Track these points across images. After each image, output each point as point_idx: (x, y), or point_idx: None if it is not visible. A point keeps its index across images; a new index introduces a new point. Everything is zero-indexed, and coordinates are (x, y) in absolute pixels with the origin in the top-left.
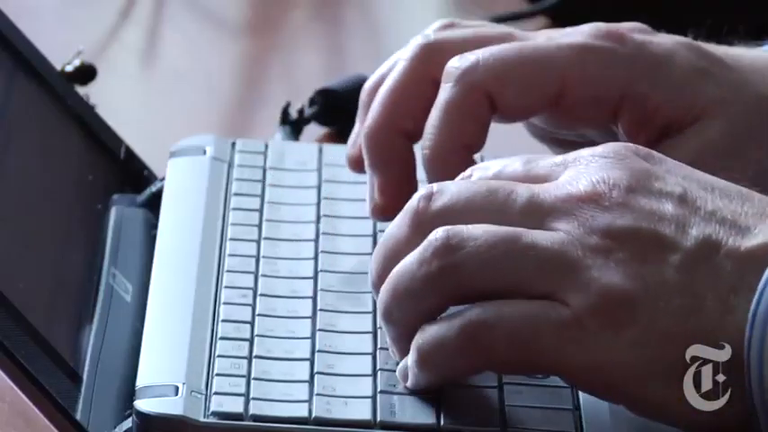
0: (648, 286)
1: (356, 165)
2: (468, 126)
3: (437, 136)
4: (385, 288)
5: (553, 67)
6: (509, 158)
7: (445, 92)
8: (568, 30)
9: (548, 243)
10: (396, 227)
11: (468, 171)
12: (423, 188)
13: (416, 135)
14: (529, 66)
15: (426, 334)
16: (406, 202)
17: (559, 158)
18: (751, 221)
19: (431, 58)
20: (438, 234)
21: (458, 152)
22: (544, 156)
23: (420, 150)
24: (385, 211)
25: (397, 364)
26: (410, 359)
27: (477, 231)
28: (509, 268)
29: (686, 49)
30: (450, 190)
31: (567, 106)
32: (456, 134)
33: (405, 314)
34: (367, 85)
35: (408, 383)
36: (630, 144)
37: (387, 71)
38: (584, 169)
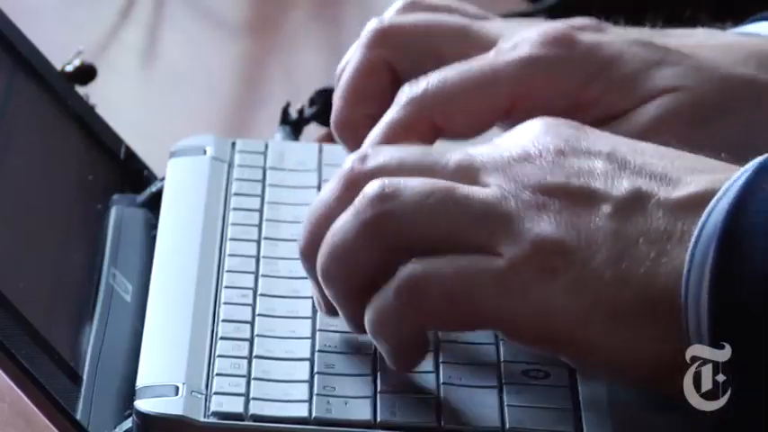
0: (581, 233)
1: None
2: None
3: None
4: (322, 249)
5: (499, 86)
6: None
7: (393, 111)
8: (518, 37)
9: (482, 195)
10: (328, 190)
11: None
12: (356, 152)
13: (380, 115)
14: (474, 92)
15: (370, 308)
16: None
17: (493, 140)
18: (682, 174)
19: (382, 43)
20: (373, 185)
21: None
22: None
23: None
24: None
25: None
26: (369, 336)
27: (413, 182)
28: (444, 218)
29: (638, 45)
30: (383, 151)
31: (518, 117)
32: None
33: (343, 272)
34: (338, 69)
35: (393, 367)
36: (560, 118)
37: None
38: (515, 136)
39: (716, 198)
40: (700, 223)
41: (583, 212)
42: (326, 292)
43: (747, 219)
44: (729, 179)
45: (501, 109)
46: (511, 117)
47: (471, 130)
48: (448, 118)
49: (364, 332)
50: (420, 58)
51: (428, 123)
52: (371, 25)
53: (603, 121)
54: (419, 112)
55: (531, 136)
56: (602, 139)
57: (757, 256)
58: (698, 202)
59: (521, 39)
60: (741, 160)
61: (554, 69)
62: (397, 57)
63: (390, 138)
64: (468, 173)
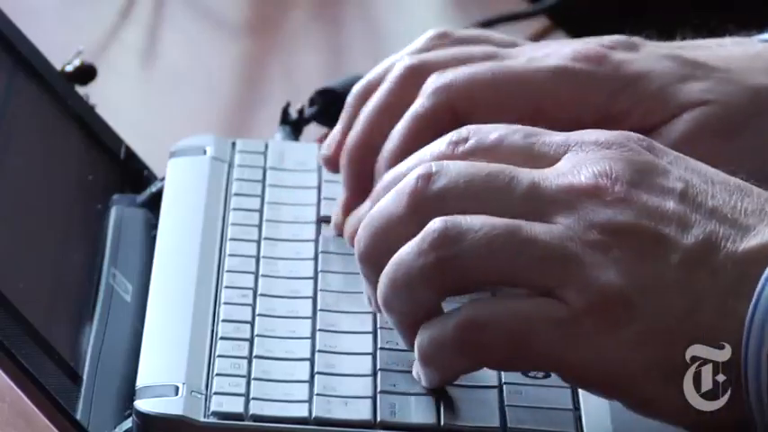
0: (647, 286)
1: (331, 165)
2: (428, 138)
3: (396, 141)
4: (383, 278)
5: (526, 91)
6: (508, 127)
7: (416, 104)
8: (550, 49)
9: (547, 237)
10: (391, 203)
11: (463, 132)
12: (420, 166)
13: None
14: (501, 89)
15: (425, 334)
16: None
17: (561, 138)
18: (750, 220)
19: (413, 82)
20: (436, 225)
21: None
22: (544, 131)
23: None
24: (341, 228)
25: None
26: (415, 359)
27: (476, 223)
28: (507, 262)
29: (667, 60)
30: (450, 171)
31: (544, 126)
32: (415, 144)
33: (403, 304)
34: (356, 89)
35: (423, 384)
36: (633, 134)
37: (375, 78)
38: (586, 157)
39: None
40: (763, 278)
41: (651, 260)
42: (386, 316)
43: None
44: None
45: (524, 112)
46: (537, 126)
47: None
48: (471, 109)
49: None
50: None
51: (450, 113)
52: (403, 63)
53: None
54: (445, 101)
55: (605, 158)
56: (676, 168)
57: None
58: (765, 254)
59: (552, 51)
60: None
61: (581, 82)
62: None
63: (414, 128)
64: (536, 205)
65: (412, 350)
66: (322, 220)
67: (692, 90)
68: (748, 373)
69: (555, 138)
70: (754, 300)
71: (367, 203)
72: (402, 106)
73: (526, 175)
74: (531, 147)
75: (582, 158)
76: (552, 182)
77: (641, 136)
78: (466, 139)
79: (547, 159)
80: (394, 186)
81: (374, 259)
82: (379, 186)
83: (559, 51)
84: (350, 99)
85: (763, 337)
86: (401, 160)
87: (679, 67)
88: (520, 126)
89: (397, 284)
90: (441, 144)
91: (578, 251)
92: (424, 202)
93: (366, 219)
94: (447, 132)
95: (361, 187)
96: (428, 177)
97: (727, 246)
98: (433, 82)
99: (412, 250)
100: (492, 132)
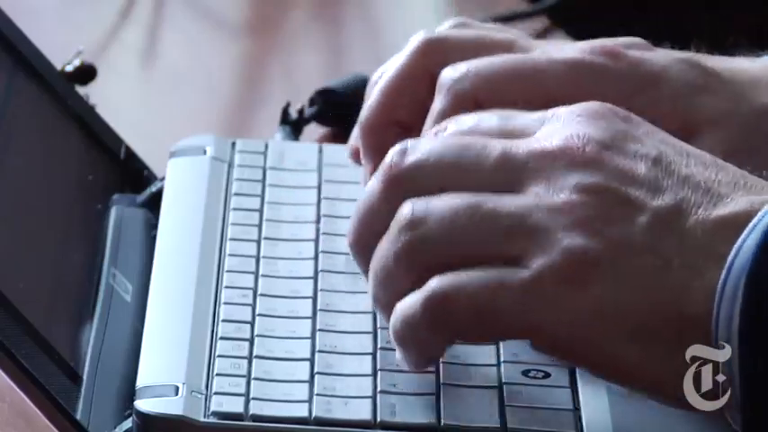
0: (613, 245)
1: (356, 156)
2: None
3: None
4: (371, 273)
5: (542, 81)
6: (486, 112)
7: (437, 102)
8: (566, 45)
9: (511, 208)
10: (371, 184)
11: (443, 123)
12: (398, 144)
13: (411, 127)
14: (517, 79)
15: (396, 314)
16: None
17: (537, 114)
18: (724, 189)
19: (430, 53)
20: (404, 210)
21: None
22: (522, 112)
23: None
24: None
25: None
26: (392, 340)
27: (440, 203)
28: (472, 236)
29: (683, 65)
30: (423, 146)
31: None
32: None
33: (388, 295)
34: (373, 79)
35: (406, 367)
36: (611, 105)
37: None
38: (561, 126)
39: (756, 219)
40: (735, 247)
41: (618, 220)
42: (375, 310)
43: None
44: None
45: (542, 105)
46: None
47: None
48: (491, 98)
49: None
50: None
51: (473, 107)
52: (419, 36)
53: None
54: (463, 93)
55: (579, 123)
56: (650, 139)
57: None
58: (737, 222)
59: (568, 46)
60: None
61: (599, 76)
62: (440, 67)
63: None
64: (506, 173)
65: None
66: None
67: (706, 107)
68: (718, 340)
69: (533, 114)
70: (725, 269)
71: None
72: (416, 76)
73: (497, 144)
74: (507, 123)
75: (556, 127)
76: (523, 148)
77: (619, 108)
78: (445, 127)
79: (524, 134)
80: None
81: (361, 245)
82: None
83: (575, 46)
84: (369, 88)
85: (733, 308)
86: None
87: (694, 74)
88: (496, 110)
89: (379, 276)
90: (424, 133)
91: (541, 218)
92: (397, 177)
93: (357, 202)
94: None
95: (381, 157)
96: (402, 152)
97: (698, 212)
98: (449, 77)
99: (386, 241)
100: (468, 119)
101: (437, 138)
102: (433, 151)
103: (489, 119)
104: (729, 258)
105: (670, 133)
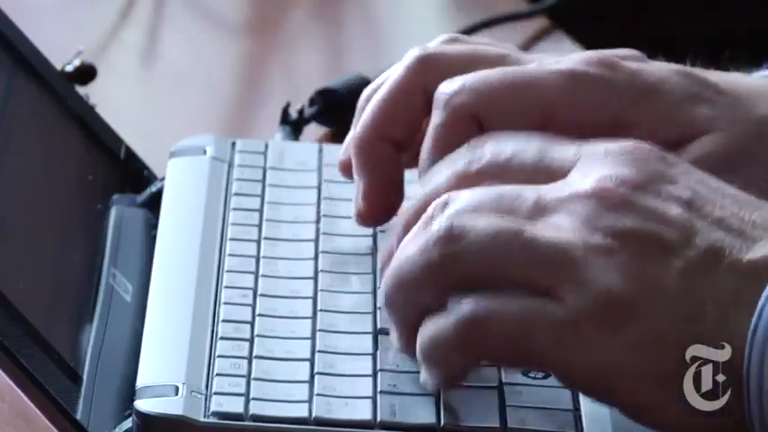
0: (647, 290)
1: (346, 170)
2: (455, 146)
3: (428, 158)
4: (387, 275)
5: (540, 92)
6: (522, 141)
7: (435, 117)
8: (561, 57)
9: (550, 238)
10: (413, 233)
11: (479, 152)
12: (440, 198)
13: (405, 144)
14: (515, 91)
15: (425, 332)
16: (389, 209)
17: (573, 149)
18: (757, 232)
19: (424, 70)
20: (441, 223)
21: None
22: (557, 143)
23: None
24: (366, 217)
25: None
26: (418, 357)
27: (480, 221)
28: (509, 261)
29: (679, 76)
30: (463, 198)
31: (555, 131)
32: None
33: (405, 301)
34: (365, 93)
35: (429, 388)
36: (645, 144)
37: (386, 79)
38: (595, 166)
39: None
40: (764, 297)
41: (652, 264)
42: (387, 315)
43: None
44: None
45: (540, 116)
46: (548, 129)
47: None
48: (488, 111)
49: (411, 353)
50: None
51: (471, 121)
52: (412, 53)
53: None
54: (459, 107)
55: (613, 163)
56: (685, 180)
57: None
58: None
59: (564, 57)
60: None
61: (597, 87)
62: (434, 84)
63: (439, 149)
64: (543, 215)
65: (408, 353)
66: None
67: (702, 116)
68: (750, 391)
69: (566, 151)
70: (756, 315)
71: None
72: (411, 93)
73: (532, 191)
74: (543, 161)
75: (590, 168)
76: (558, 193)
77: (653, 146)
78: (480, 158)
79: (559, 172)
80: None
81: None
82: (404, 219)
83: (572, 57)
84: (360, 102)
85: (765, 351)
86: None
87: (690, 85)
88: (535, 137)
89: (399, 280)
90: (458, 158)
91: (580, 253)
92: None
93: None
94: (469, 137)
95: (376, 175)
96: (443, 206)
97: (731, 255)
98: (444, 92)
99: (416, 247)
100: (506, 148)
101: (475, 191)
102: (471, 201)
103: (526, 152)
104: (761, 303)
105: (668, 142)
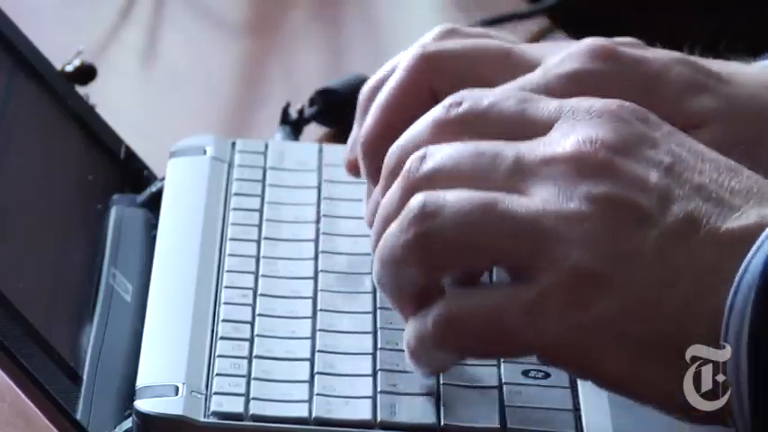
0: (621, 259)
1: (353, 169)
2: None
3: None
4: (376, 253)
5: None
6: (502, 91)
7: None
8: (563, 51)
9: (523, 211)
10: (390, 191)
11: (459, 97)
12: (418, 150)
13: None
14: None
15: (408, 329)
16: None
17: (555, 104)
18: (736, 200)
19: (426, 69)
20: (416, 201)
21: None
22: (539, 96)
23: None
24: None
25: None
26: (405, 357)
27: (453, 197)
28: (483, 235)
29: (681, 64)
30: (441, 151)
31: None
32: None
33: (392, 280)
34: (365, 89)
35: (417, 373)
36: (629, 104)
37: (385, 75)
38: (575, 125)
39: (763, 236)
40: (744, 264)
41: (628, 234)
42: (381, 293)
43: None
44: None
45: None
46: None
47: None
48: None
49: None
50: (463, 82)
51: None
52: (413, 51)
53: None
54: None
55: (594, 125)
56: (666, 142)
57: None
58: (746, 238)
59: (566, 55)
60: None
61: (600, 83)
62: (439, 82)
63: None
64: (519, 179)
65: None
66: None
67: (704, 106)
68: (727, 367)
69: (549, 104)
70: (733, 288)
71: (377, 189)
72: (415, 93)
73: (511, 149)
74: (524, 112)
75: (571, 127)
76: (537, 154)
77: (637, 106)
78: (459, 103)
79: (539, 125)
80: (391, 158)
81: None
82: (383, 168)
83: (573, 54)
84: (361, 99)
85: (742, 327)
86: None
87: (692, 74)
88: (515, 90)
89: (384, 260)
90: (437, 109)
91: (552, 225)
92: (414, 182)
93: (377, 210)
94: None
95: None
96: (420, 160)
97: (708, 224)
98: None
99: (395, 227)
100: (486, 96)
101: (453, 145)
102: (450, 157)
103: (506, 101)
104: (737, 276)
105: None
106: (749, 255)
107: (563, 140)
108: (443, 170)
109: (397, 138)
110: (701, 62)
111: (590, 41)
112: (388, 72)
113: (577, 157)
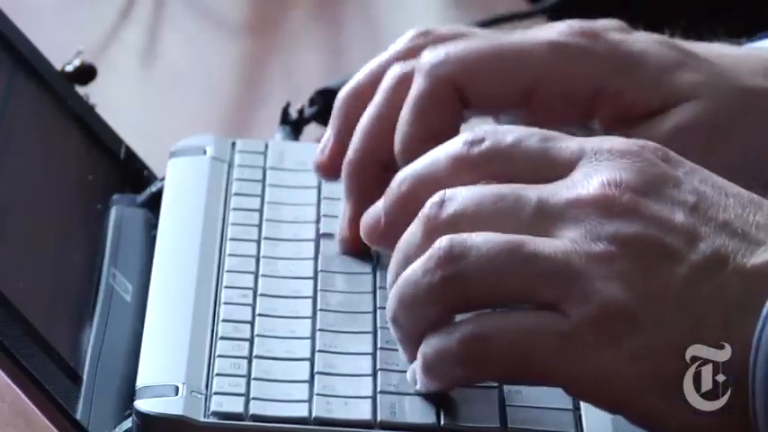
0: (650, 298)
1: (324, 171)
2: (439, 118)
3: (408, 128)
4: (392, 293)
5: (524, 61)
6: (524, 130)
7: (416, 85)
8: (543, 28)
9: (551, 252)
10: (409, 233)
11: (481, 133)
12: (436, 194)
13: (394, 165)
14: (499, 59)
15: (429, 344)
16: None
17: (576, 144)
18: (761, 235)
19: (407, 88)
20: (442, 243)
21: (428, 144)
22: (561, 135)
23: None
24: (348, 244)
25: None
26: (416, 366)
27: (480, 240)
28: (511, 278)
29: (662, 46)
30: (461, 196)
31: (539, 103)
32: (427, 126)
33: (410, 320)
34: (342, 94)
35: (417, 388)
36: (650, 143)
37: (363, 80)
38: (598, 167)
39: None
40: None
41: (656, 272)
42: (392, 330)
43: None
44: None
45: (522, 87)
46: (531, 103)
47: (493, 103)
48: (472, 80)
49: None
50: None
51: (452, 91)
52: (395, 71)
53: (625, 117)
54: (441, 76)
55: (617, 167)
56: (689, 180)
57: None
58: None
59: (547, 28)
60: (764, 171)
61: (581, 56)
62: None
63: (420, 112)
64: (543, 223)
65: (411, 363)
66: (322, 236)
67: (685, 82)
68: (756, 402)
69: (570, 144)
70: (760, 323)
71: (381, 202)
72: (397, 114)
73: (533, 192)
74: (546, 152)
75: (593, 168)
76: (561, 197)
77: (658, 145)
78: (482, 140)
79: (561, 166)
80: (403, 184)
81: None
82: (393, 183)
83: (554, 27)
84: (337, 103)
85: None
86: (417, 146)
87: (673, 53)
88: (536, 129)
89: (403, 301)
90: (456, 144)
91: (581, 265)
92: (436, 228)
93: (394, 252)
94: (453, 110)
95: (366, 198)
96: (440, 203)
97: (735, 260)
98: (428, 60)
99: (419, 268)
100: (508, 134)
101: (472, 189)
102: (471, 201)
103: (529, 140)
104: (763, 314)
105: (651, 110)
106: None
107: (586, 182)
108: (465, 215)
109: (378, 159)
110: (683, 44)
111: (572, 22)
112: (367, 76)
113: (602, 199)
